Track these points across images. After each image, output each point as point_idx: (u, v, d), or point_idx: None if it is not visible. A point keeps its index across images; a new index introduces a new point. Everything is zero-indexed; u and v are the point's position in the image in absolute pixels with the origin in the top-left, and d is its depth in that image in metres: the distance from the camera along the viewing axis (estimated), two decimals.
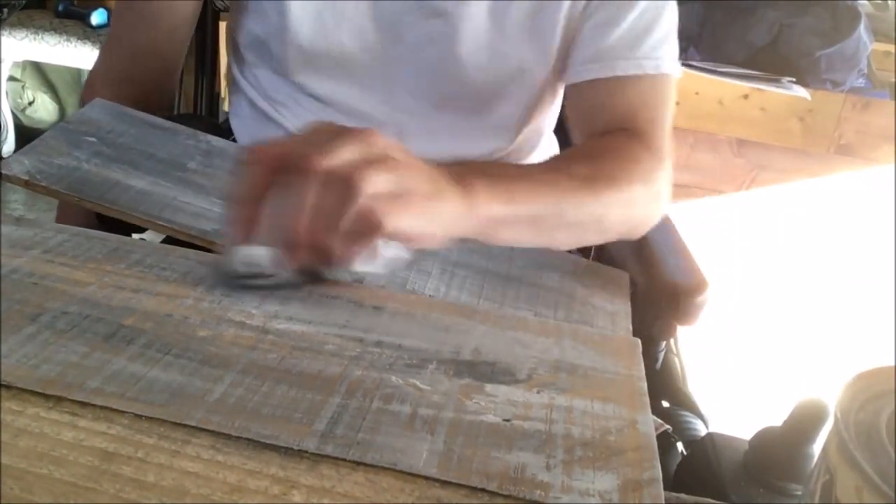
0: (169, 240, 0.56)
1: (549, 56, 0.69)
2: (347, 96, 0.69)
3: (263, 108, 0.72)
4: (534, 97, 0.72)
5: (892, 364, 0.34)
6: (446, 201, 0.46)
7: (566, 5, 0.66)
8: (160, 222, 0.53)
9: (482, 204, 0.49)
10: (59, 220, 0.68)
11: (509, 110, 0.72)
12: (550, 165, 0.62)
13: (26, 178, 0.53)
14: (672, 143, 0.67)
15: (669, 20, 0.67)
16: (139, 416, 0.34)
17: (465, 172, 0.49)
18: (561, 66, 0.70)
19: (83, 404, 0.34)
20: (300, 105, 0.70)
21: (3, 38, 2.06)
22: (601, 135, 0.66)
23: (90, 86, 0.74)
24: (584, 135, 0.70)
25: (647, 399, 0.41)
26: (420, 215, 0.44)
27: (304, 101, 0.70)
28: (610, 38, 0.66)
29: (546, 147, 0.81)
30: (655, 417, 0.45)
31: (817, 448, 0.44)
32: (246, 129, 0.74)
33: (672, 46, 0.68)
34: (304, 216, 0.41)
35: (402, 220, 0.42)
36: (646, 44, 0.66)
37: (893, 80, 1.85)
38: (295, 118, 0.70)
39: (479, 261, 0.58)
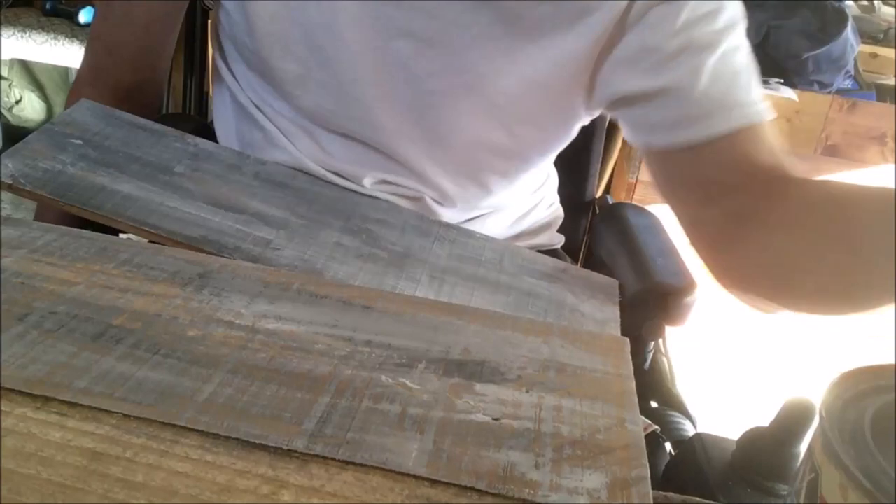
0: None
1: (544, 96, 0.64)
2: (316, 104, 0.67)
3: (243, 101, 0.71)
4: (534, 137, 0.68)
5: (876, 364, 0.35)
6: None
7: (581, 49, 0.61)
8: (146, 228, 0.53)
9: None
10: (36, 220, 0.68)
11: (482, 145, 0.68)
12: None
13: (10, 181, 0.53)
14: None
15: (749, 57, 0.60)
16: (127, 416, 0.34)
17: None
18: (571, 108, 0.66)
19: (71, 404, 0.34)
20: (270, 106, 0.69)
21: None
22: (744, 192, 0.59)
23: (75, 86, 0.74)
24: (700, 201, 0.62)
25: (635, 398, 0.41)
26: None
27: (275, 102, 0.69)
28: (694, 93, 0.58)
29: (540, 175, 0.79)
30: (644, 417, 0.45)
31: (804, 448, 0.44)
32: (226, 122, 0.74)
33: (760, 88, 0.60)
34: None
35: None
36: (737, 90, 0.58)
37: (879, 81, 1.87)
38: (269, 118, 0.70)
39: (468, 268, 0.58)
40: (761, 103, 0.59)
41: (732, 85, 0.58)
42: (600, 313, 0.57)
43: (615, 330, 0.56)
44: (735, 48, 0.59)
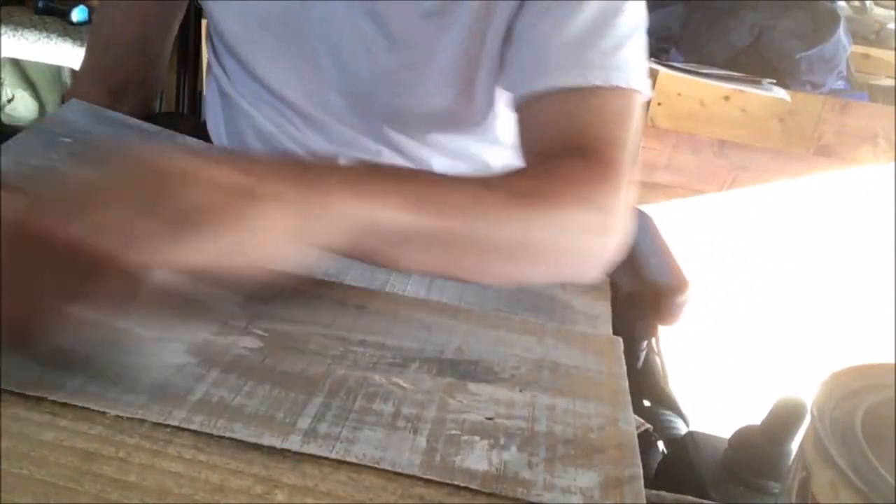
0: None
1: (487, 64, 0.65)
2: (298, 93, 0.69)
3: (229, 91, 0.72)
4: (476, 101, 0.69)
5: (867, 362, 0.35)
6: (265, 212, 0.37)
7: (501, 10, 0.61)
8: None
9: (376, 208, 0.41)
10: None
11: (450, 105, 0.69)
12: (482, 179, 0.53)
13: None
14: (633, 168, 0.58)
15: (625, 26, 0.58)
16: (120, 416, 0.34)
17: (341, 172, 0.42)
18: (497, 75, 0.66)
19: (64, 404, 0.34)
20: (260, 99, 0.71)
21: None
22: (547, 156, 0.57)
23: (75, 82, 0.75)
24: (531, 156, 0.60)
25: (628, 397, 0.41)
26: (195, 238, 0.35)
27: (263, 94, 0.70)
28: (550, 46, 0.58)
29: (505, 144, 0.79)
30: (636, 416, 0.45)
31: (795, 446, 0.44)
32: (215, 113, 0.75)
33: (632, 57, 0.59)
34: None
35: (151, 250, 0.35)
36: (593, 52, 0.57)
37: (872, 81, 1.88)
38: (258, 110, 0.71)
39: None
40: (607, 70, 0.57)
41: (590, 46, 0.57)
42: (592, 308, 0.57)
43: (607, 325, 0.56)
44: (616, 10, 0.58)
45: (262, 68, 0.69)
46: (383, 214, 0.41)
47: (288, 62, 0.68)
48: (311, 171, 0.41)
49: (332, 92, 0.68)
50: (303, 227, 0.39)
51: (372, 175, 0.44)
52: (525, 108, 0.61)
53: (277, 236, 0.38)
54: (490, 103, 0.71)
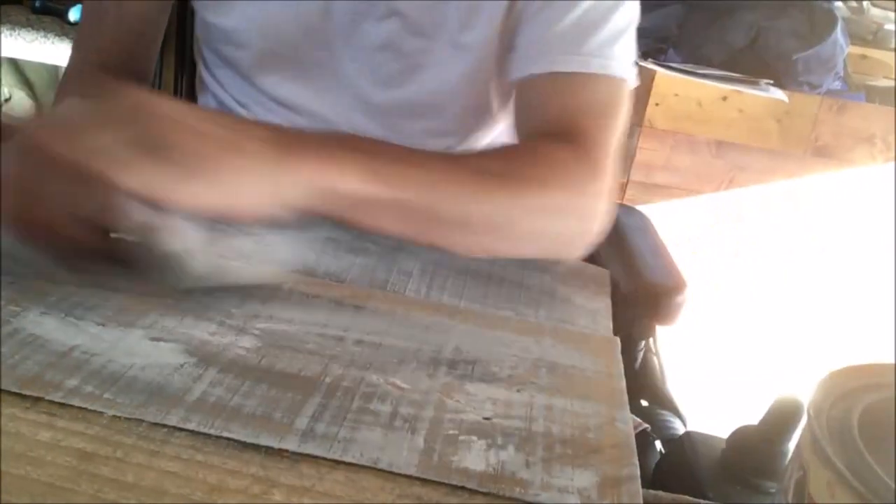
0: None
1: (497, 52, 0.66)
2: (304, 98, 0.69)
3: (231, 106, 0.72)
4: (489, 94, 0.70)
5: (864, 362, 0.35)
6: (241, 165, 0.42)
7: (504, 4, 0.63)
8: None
9: (335, 177, 0.44)
10: None
11: (464, 108, 0.70)
12: (454, 156, 0.57)
13: None
14: (618, 158, 0.60)
15: (621, 20, 0.62)
16: (118, 416, 0.34)
17: (311, 140, 0.45)
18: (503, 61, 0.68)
19: (61, 404, 0.34)
20: (262, 106, 0.70)
21: None
22: (539, 137, 0.61)
23: (63, 85, 0.74)
24: (522, 136, 0.65)
25: (625, 397, 0.41)
26: (175, 174, 0.40)
27: (265, 102, 0.70)
28: (551, 32, 0.61)
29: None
30: (634, 416, 0.45)
31: (792, 446, 0.45)
32: None
33: (625, 50, 0.62)
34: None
35: (135, 177, 0.39)
36: (591, 41, 0.60)
37: (869, 82, 1.88)
38: (253, 114, 0.71)
39: (460, 260, 0.59)
40: (603, 59, 0.61)
41: (588, 35, 0.61)
42: (592, 303, 0.57)
43: (607, 319, 0.56)
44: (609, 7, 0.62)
45: (272, 79, 0.68)
46: (341, 184, 0.45)
47: (302, 72, 0.67)
48: (288, 136, 0.45)
49: (348, 96, 0.68)
50: (273, 187, 0.43)
51: (341, 146, 0.46)
52: (523, 90, 0.63)
53: (250, 191, 0.42)
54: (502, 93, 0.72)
